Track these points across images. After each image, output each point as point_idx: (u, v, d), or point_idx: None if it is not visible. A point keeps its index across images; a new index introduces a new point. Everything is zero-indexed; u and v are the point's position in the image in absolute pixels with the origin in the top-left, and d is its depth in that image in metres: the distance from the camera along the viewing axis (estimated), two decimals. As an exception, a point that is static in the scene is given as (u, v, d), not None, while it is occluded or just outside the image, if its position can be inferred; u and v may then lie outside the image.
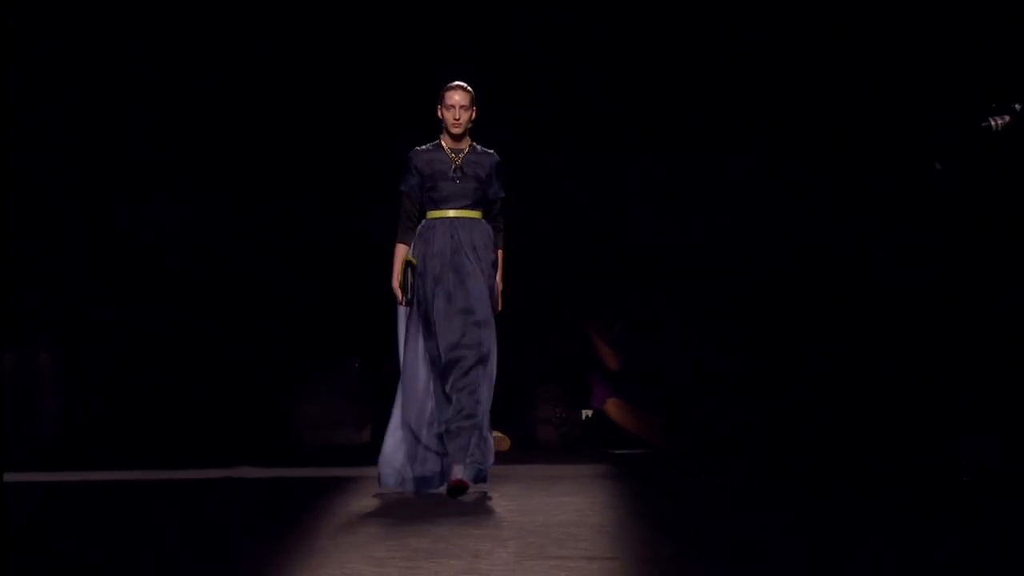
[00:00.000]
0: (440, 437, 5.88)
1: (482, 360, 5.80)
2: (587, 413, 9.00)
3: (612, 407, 8.84)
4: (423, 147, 5.91)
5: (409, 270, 5.81)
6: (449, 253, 5.78)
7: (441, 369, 5.84)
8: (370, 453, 7.97)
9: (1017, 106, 7.00)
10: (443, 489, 5.89)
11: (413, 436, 5.96)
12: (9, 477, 7.27)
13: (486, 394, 5.86)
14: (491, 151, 5.95)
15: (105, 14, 9.76)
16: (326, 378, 9.26)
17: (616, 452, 8.64)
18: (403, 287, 5.82)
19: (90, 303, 9.76)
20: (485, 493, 6.03)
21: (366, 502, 6.30)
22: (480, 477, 5.92)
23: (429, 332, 5.82)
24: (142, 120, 9.90)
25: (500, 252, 5.95)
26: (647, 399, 8.97)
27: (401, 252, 5.87)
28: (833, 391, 8.95)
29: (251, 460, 8.39)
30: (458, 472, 5.80)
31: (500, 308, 5.94)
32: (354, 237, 9.47)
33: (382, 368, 8.93)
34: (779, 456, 8.50)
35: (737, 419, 8.95)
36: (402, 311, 5.92)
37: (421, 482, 5.96)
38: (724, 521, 5.78)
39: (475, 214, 5.84)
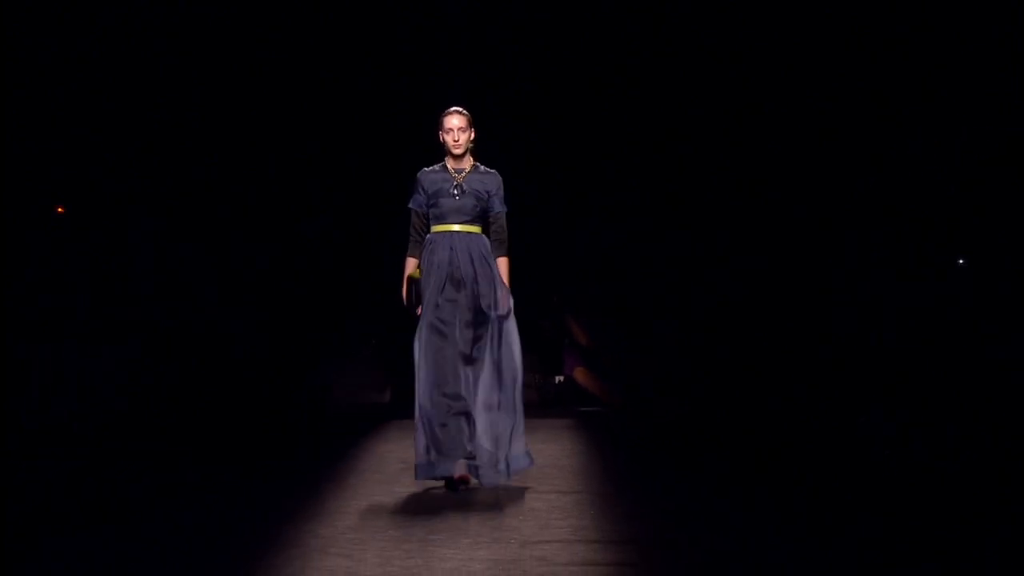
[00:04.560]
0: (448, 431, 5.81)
1: (481, 366, 5.85)
2: (559, 378, 10.51)
3: (579, 374, 10.35)
4: (429, 168, 6.05)
5: (413, 285, 5.95)
6: (447, 264, 5.90)
7: (437, 376, 5.82)
8: (388, 411, 9.34)
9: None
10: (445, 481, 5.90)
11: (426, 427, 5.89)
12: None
13: (497, 396, 5.88)
14: (493, 170, 6.06)
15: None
16: (354, 352, 10.60)
17: (582, 409, 10.04)
18: (408, 299, 5.98)
19: (156, 303, 10.37)
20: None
21: (386, 447, 7.35)
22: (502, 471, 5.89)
23: (440, 333, 5.84)
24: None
25: (505, 259, 6.02)
26: (607, 370, 10.38)
27: (410, 265, 6.02)
28: (749, 374, 10.09)
29: (296, 415, 9.59)
30: (460, 468, 5.84)
31: (511, 306, 5.97)
32: (373, 244, 10.31)
33: (396, 344, 9.80)
34: (704, 414, 9.53)
35: (673, 388, 10.24)
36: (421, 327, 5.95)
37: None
38: (664, 462, 7.09)
39: (474, 228, 5.98)
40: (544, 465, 6.47)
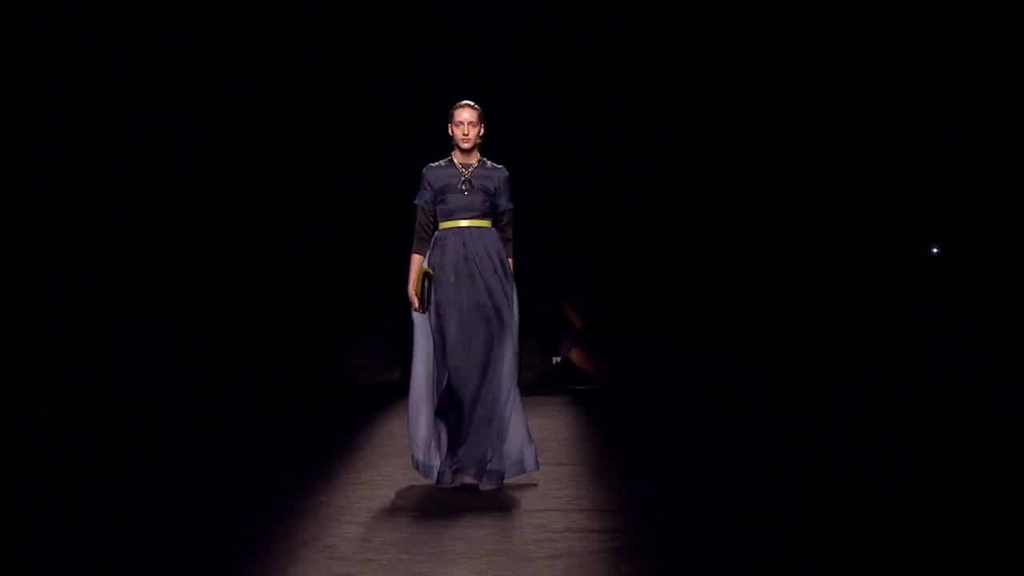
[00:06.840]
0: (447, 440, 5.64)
1: (494, 367, 5.71)
2: (557, 359, 11.08)
3: (575, 356, 10.97)
4: (436, 163, 5.81)
5: (426, 280, 5.70)
6: (462, 260, 5.68)
7: (451, 378, 5.63)
8: (398, 389, 9.48)
9: None
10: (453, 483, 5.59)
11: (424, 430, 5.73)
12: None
13: (504, 397, 5.73)
14: (500, 166, 5.83)
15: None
16: (367, 333, 11.16)
17: (577, 388, 10.68)
18: (419, 295, 5.70)
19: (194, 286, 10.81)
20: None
21: (396, 424, 7.60)
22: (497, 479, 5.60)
23: (442, 339, 5.66)
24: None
25: (511, 258, 5.83)
26: (601, 352, 11.00)
27: (416, 262, 5.77)
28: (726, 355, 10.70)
29: (314, 393, 10.18)
30: (469, 477, 5.55)
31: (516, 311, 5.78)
32: (386, 235, 10.72)
33: (408, 326, 10.41)
34: (686, 393, 10.05)
35: (658, 368, 10.97)
36: (416, 319, 5.78)
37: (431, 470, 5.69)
38: (653, 437, 7.51)
39: (484, 223, 5.74)
40: (543, 439, 6.64)
